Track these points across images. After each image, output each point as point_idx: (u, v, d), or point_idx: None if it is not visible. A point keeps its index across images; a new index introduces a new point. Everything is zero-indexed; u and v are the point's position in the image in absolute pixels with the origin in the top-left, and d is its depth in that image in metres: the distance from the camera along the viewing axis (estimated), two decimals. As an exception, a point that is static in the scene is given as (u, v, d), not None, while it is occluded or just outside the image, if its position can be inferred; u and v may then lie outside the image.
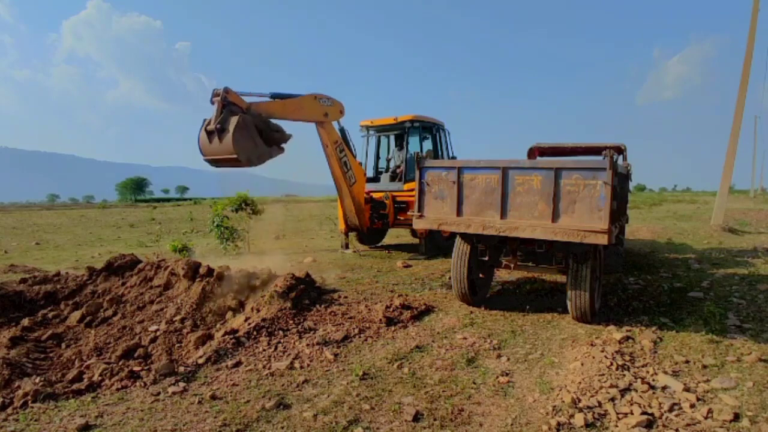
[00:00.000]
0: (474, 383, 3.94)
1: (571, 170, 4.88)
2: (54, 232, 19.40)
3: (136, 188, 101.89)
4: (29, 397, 3.61)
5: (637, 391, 3.69)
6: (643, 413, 3.33)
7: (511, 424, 3.29)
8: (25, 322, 5.47)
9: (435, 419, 3.34)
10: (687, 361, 4.31)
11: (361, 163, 11.40)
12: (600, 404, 3.49)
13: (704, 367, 4.20)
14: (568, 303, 5.46)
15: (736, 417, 3.31)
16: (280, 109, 8.03)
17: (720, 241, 12.54)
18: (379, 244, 12.30)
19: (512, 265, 6.12)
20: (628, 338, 4.89)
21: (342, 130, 9.81)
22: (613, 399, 3.56)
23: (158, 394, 3.75)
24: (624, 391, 3.68)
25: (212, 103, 6.92)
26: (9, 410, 3.52)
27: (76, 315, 5.74)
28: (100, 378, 4.01)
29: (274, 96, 8.04)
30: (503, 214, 5.28)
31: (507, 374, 4.11)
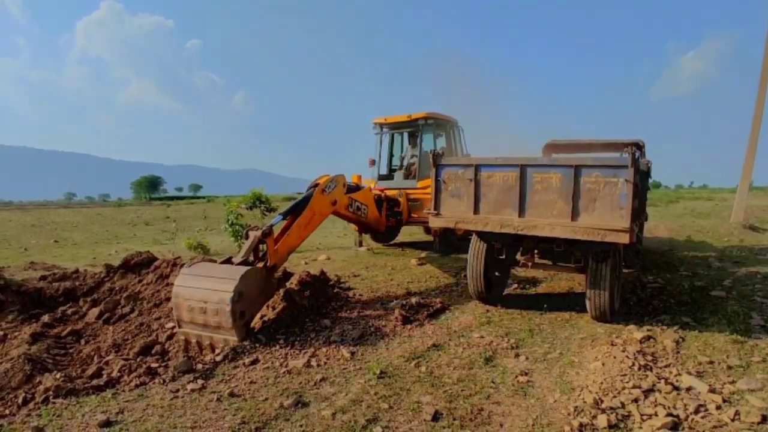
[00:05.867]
0: (493, 382, 3.90)
1: (591, 168, 4.79)
2: (71, 230, 19.69)
3: (150, 186, 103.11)
4: (50, 393, 3.65)
5: (660, 392, 3.61)
6: (668, 415, 3.26)
7: (532, 425, 3.24)
8: (45, 318, 5.54)
9: (454, 419, 3.30)
10: (711, 362, 4.21)
11: (374, 161, 11.39)
12: (623, 405, 3.42)
13: (729, 367, 4.10)
14: (587, 302, 5.38)
15: (764, 419, 3.22)
16: (297, 237, 6.15)
17: (741, 239, 12.27)
18: (393, 242, 12.27)
19: (529, 264, 6.04)
20: (649, 338, 4.79)
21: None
22: (636, 400, 3.48)
23: (177, 391, 3.77)
24: (647, 392, 3.59)
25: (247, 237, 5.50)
26: (31, 405, 3.56)
27: (95, 312, 5.80)
28: (118, 374, 4.06)
29: (285, 215, 6.18)
30: (521, 212, 5.21)
31: (526, 374, 4.06)
